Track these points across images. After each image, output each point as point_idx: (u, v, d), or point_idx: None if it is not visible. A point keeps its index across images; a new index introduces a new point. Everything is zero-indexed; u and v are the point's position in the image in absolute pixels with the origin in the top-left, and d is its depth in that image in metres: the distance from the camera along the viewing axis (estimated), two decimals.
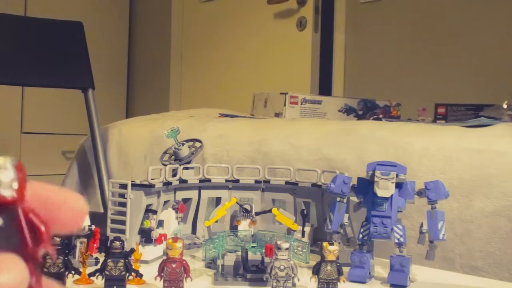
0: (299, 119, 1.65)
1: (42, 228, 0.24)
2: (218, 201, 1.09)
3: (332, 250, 0.74)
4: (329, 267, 0.75)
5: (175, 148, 1.09)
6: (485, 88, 2.23)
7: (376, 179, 0.83)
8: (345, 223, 0.88)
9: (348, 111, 1.78)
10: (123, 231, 0.90)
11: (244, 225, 1.02)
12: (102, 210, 1.62)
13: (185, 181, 1.04)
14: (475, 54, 2.31)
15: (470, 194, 1.03)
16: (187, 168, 1.06)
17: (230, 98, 3.00)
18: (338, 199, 0.87)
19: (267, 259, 0.78)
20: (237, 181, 1.08)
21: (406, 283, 0.82)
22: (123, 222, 0.90)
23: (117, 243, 0.73)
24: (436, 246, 0.84)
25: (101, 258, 0.76)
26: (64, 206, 0.25)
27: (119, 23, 3.58)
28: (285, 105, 1.75)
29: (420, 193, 0.85)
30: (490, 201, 1.00)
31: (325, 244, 0.75)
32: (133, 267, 0.75)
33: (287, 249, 0.73)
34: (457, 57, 2.35)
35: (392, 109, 1.79)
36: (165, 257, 0.73)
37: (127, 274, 0.73)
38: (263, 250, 0.79)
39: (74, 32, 1.74)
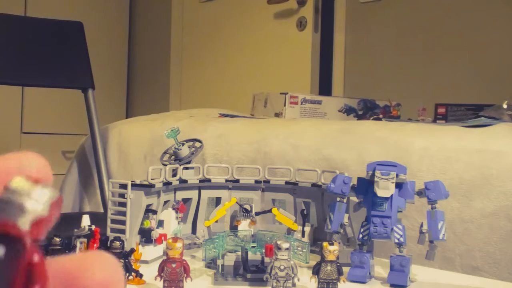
0: (299, 119, 1.66)
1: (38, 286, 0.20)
2: (218, 201, 1.09)
3: (332, 250, 0.74)
4: (329, 267, 0.75)
5: (175, 148, 1.09)
6: (485, 88, 2.23)
7: (376, 179, 0.83)
8: (345, 223, 0.88)
9: (348, 111, 1.78)
10: (123, 231, 0.90)
11: (244, 225, 1.02)
12: (102, 210, 1.62)
13: (185, 181, 1.04)
14: (475, 54, 2.31)
15: (470, 194, 1.03)
16: (187, 168, 1.06)
17: (230, 98, 3.00)
18: (338, 199, 0.87)
19: (267, 259, 0.78)
20: (237, 181, 1.08)
21: (406, 283, 0.82)
22: (123, 222, 0.90)
23: (117, 243, 0.73)
24: (436, 246, 0.84)
25: None
26: (89, 273, 0.21)
27: (119, 23, 3.58)
28: (285, 105, 1.75)
29: (420, 193, 0.85)
30: (490, 201, 1.00)
31: (325, 244, 0.75)
32: (133, 267, 0.75)
33: (287, 249, 0.73)
34: (457, 57, 2.35)
35: (392, 109, 1.79)
36: (165, 257, 0.73)
37: (127, 274, 0.73)
38: (263, 250, 0.79)
39: (74, 32, 1.74)
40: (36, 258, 0.20)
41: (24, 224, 0.20)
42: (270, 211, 1.04)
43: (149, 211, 0.95)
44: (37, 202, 0.20)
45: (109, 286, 0.21)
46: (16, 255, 0.20)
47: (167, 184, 0.99)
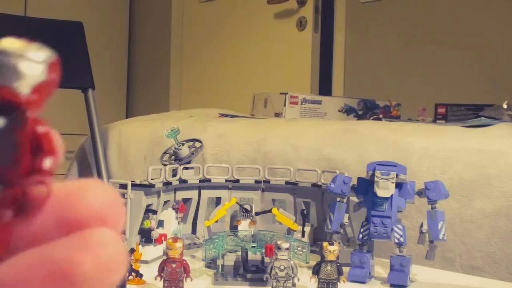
0: (299, 119, 1.66)
1: (47, 160, 0.19)
2: (218, 201, 1.09)
3: (332, 250, 0.74)
4: (329, 267, 0.75)
5: (175, 148, 1.09)
6: (485, 88, 2.23)
7: (376, 179, 0.83)
8: (345, 223, 0.88)
9: (348, 111, 1.77)
10: (123, 231, 0.90)
11: (244, 225, 1.02)
12: None
13: (185, 181, 1.04)
14: (475, 54, 2.31)
15: (470, 194, 1.03)
16: (187, 168, 1.06)
17: (230, 98, 3.00)
18: (338, 199, 0.87)
19: (267, 259, 0.78)
20: (237, 181, 1.08)
21: (406, 283, 0.82)
22: None
23: None
24: (436, 246, 0.84)
25: None
26: (84, 198, 0.19)
27: (119, 23, 3.58)
28: (285, 105, 1.75)
29: (420, 193, 0.86)
30: (490, 201, 1.00)
31: (325, 244, 0.75)
32: (133, 267, 0.75)
33: (287, 249, 0.73)
34: (457, 57, 2.35)
35: (392, 109, 1.79)
36: (165, 257, 0.73)
37: (127, 274, 0.73)
38: (263, 250, 0.79)
39: (74, 32, 1.74)
40: (41, 129, 0.19)
41: (21, 88, 0.18)
42: (270, 211, 1.04)
43: (149, 211, 0.95)
44: (33, 63, 0.18)
45: (106, 219, 0.19)
46: (15, 125, 0.18)
47: (167, 184, 0.99)
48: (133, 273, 0.75)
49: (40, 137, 0.19)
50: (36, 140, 0.19)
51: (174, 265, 0.72)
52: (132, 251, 0.76)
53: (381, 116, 1.71)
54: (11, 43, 0.18)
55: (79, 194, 0.19)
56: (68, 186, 0.19)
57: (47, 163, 0.19)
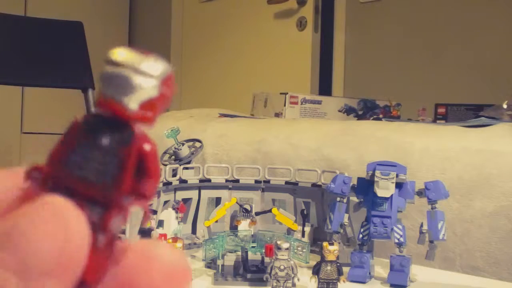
0: (299, 119, 1.66)
1: (150, 183, 0.17)
2: (218, 201, 1.09)
3: (332, 250, 0.74)
4: (329, 267, 0.75)
5: (175, 148, 1.09)
6: (485, 88, 2.23)
7: (376, 179, 0.83)
8: (345, 223, 0.88)
9: (348, 111, 1.77)
10: (123, 231, 0.90)
11: (244, 225, 1.02)
12: None
13: (185, 181, 1.04)
14: (475, 54, 2.31)
15: (470, 194, 1.03)
16: (187, 168, 1.06)
17: (230, 98, 3.00)
18: (338, 199, 0.87)
19: (267, 259, 0.78)
20: (237, 181, 1.08)
21: (406, 283, 0.82)
22: None
23: None
24: (436, 246, 0.84)
25: None
26: (145, 266, 0.17)
27: (119, 23, 3.58)
28: (285, 105, 1.75)
29: (420, 193, 0.85)
30: (490, 201, 1.00)
31: (325, 244, 0.75)
32: None
33: (287, 249, 0.73)
34: (457, 57, 2.35)
35: (392, 109, 1.79)
36: None
37: None
38: (263, 250, 0.79)
39: (74, 32, 1.74)
40: (147, 147, 0.17)
41: (131, 104, 0.16)
42: (270, 211, 1.04)
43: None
44: (146, 77, 0.17)
45: None
46: (123, 142, 0.17)
47: (167, 184, 0.99)
48: None
49: (146, 157, 0.17)
50: (141, 160, 0.17)
51: None
52: None
53: (381, 116, 1.71)
54: (125, 54, 0.17)
55: (143, 267, 0.17)
56: (133, 252, 0.17)
57: (149, 187, 0.17)
